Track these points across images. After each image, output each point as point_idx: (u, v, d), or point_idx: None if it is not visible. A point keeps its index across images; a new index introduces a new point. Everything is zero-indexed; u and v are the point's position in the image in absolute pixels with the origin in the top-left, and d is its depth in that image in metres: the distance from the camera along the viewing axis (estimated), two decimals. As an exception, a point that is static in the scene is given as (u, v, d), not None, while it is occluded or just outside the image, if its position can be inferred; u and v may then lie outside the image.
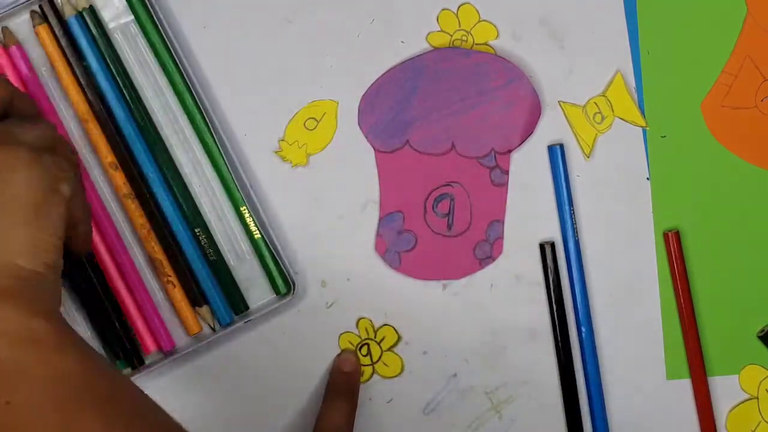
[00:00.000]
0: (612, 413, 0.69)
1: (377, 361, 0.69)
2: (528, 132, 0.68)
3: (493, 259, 0.69)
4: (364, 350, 0.68)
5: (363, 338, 0.68)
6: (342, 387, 0.67)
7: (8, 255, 0.51)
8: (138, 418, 0.51)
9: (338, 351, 0.68)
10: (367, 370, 0.69)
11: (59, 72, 0.65)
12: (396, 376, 0.69)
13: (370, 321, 0.68)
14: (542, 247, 0.68)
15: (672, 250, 0.69)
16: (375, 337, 0.68)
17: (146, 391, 0.67)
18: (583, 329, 0.69)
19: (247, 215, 0.67)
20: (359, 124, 0.68)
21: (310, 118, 0.68)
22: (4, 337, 0.49)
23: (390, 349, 0.68)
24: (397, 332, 0.69)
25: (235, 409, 0.68)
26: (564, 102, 0.69)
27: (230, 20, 0.68)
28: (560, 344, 0.69)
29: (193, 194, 0.67)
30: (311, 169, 0.68)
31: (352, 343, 0.68)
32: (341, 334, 0.68)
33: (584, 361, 0.69)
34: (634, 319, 0.69)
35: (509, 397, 0.69)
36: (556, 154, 0.68)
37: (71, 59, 0.65)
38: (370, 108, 0.68)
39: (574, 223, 0.68)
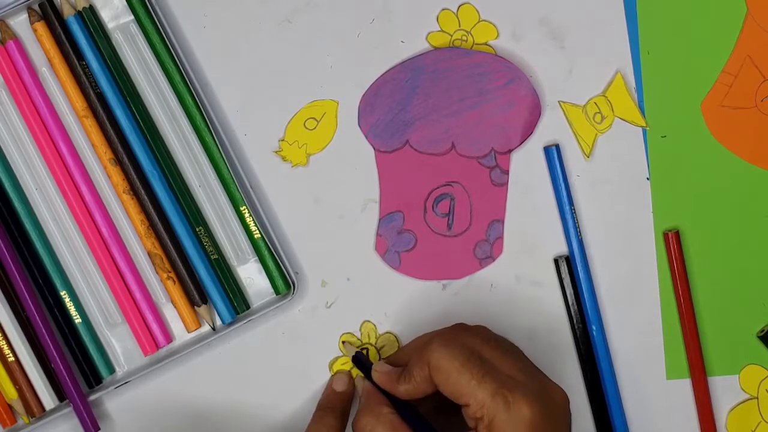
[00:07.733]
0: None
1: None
2: (528, 132, 0.68)
3: (493, 259, 0.69)
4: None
5: (364, 342, 0.68)
6: (332, 404, 0.66)
7: None
8: None
9: (338, 351, 0.68)
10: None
11: (57, 69, 0.65)
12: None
13: (374, 326, 0.68)
14: (556, 261, 0.68)
15: (672, 250, 0.69)
16: (375, 344, 0.68)
17: (146, 391, 0.67)
18: (594, 327, 0.69)
19: (247, 215, 0.67)
20: (359, 124, 0.68)
21: (310, 118, 0.68)
22: None
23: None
24: (398, 341, 0.68)
25: (235, 408, 0.68)
26: (564, 102, 0.69)
27: (230, 20, 0.68)
28: (583, 356, 0.69)
29: (193, 194, 0.67)
30: (311, 169, 0.68)
31: (351, 343, 0.68)
32: (343, 334, 0.68)
33: (598, 359, 0.69)
34: (634, 319, 0.69)
35: (509, 397, 0.69)
36: (552, 155, 0.68)
37: (69, 57, 0.65)
38: (370, 108, 0.68)
39: (576, 224, 0.68)
